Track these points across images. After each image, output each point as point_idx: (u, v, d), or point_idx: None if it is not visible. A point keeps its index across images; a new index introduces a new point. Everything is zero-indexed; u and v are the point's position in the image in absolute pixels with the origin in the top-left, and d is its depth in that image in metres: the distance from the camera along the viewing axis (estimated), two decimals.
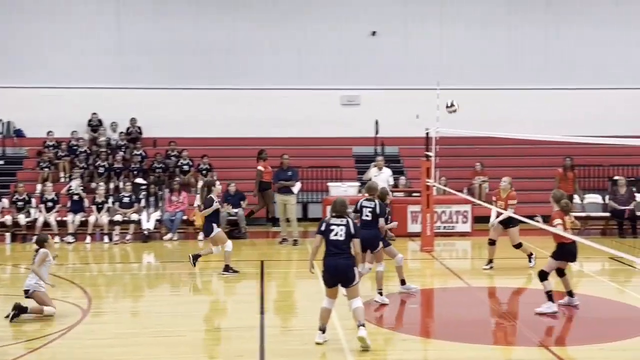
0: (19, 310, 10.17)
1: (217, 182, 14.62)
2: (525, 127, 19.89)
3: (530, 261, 13.93)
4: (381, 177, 17.60)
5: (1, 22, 22.40)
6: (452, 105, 15.08)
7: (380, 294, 11.20)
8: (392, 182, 17.76)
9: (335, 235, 8.92)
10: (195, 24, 22.88)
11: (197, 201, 18.50)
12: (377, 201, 11.11)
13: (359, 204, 11.21)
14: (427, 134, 16.44)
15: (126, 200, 18.35)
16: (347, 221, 9.02)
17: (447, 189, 17.78)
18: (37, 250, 10.75)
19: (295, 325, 10.36)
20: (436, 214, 17.41)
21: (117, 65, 22.71)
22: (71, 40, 22.61)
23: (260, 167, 18.39)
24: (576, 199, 18.68)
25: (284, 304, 11.90)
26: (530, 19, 23.39)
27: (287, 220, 17.40)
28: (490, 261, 13.95)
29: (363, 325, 8.82)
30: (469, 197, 17.62)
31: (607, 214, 18.83)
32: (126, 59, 22.72)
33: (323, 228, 9.07)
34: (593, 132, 19.72)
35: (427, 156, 16.20)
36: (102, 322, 10.44)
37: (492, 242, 13.96)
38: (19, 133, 22.61)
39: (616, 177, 19.56)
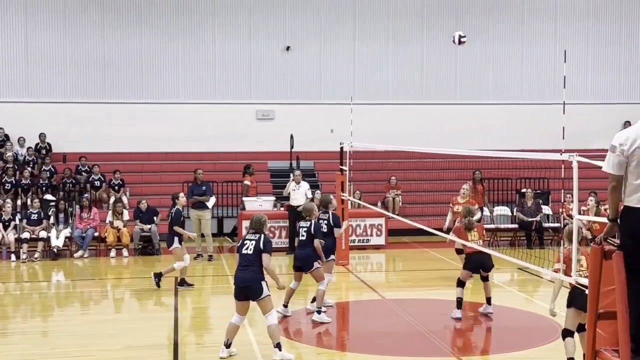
0: None
1: (181, 194, 14.25)
2: (436, 141, 20.31)
3: None
4: (300, 190, 17.70)
5: None
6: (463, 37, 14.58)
7: (285, 306, 11.26)
8: (310, 195, 17.86)
9: (246, 249, 9.01)
10: (105, 37, 22.46)
11: (109, 217, 18.17)
12: (313, 221, 11.13)
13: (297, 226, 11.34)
14: (342, 148, 16.61)
15: (34, 217, 17.80)
16: (259, 237, 9.06)
17: (361, 202, 17.99)
18: None
19: (209, 341, 10.24)
20: (351, 227, 17.57)
21: (25, 79, 22.08)
22: None
23: (247, 182, 18.34)
24: (485, 211, 19.17)
25: (199, 320, 11.76)
26: (440, 35, 23.95)
27: (202, 235, 17.25)
28: None
29: (279, 345, 8.85)
30: (383, 211, 17.88)
31: (516, 226, 19.39)
32: (34, 72, 22.12)
33: (239, 244, 9.19)
34: (502, 147, 20.42)
35: (342, 170, 16.36)
36: (9, 342, 10.09)
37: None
38: None
39: (523, 190, 20.19)
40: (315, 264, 11.07)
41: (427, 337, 10.40)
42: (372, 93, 23.13)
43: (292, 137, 22.38)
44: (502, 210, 20.36)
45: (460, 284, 11.18)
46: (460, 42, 14.22)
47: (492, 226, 18.99)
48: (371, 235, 18.74)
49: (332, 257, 11.69)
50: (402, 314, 11.73)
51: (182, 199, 14.20)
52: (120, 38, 22.55)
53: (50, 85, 22.12)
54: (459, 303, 11.09)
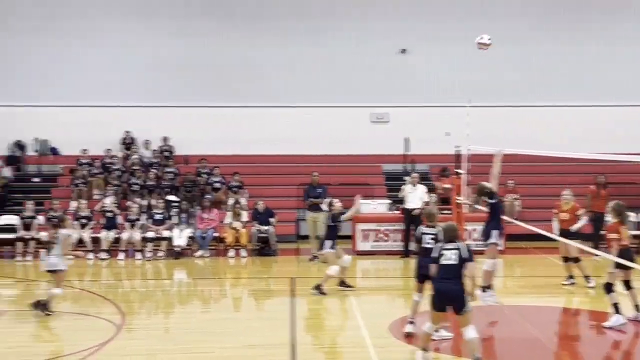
0: (41, 306, 11.37)
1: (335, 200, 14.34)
2: (557, 144, 19.75)
3: (588, 281, 13.73)
4: (416, 193, 17.58)
5: (37, 44, 22.80)
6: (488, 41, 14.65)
7: None
8: (426, 198, 17.73)
9: (448, 260, 8.67)
10: (226, 42, 23.11)
11: (229, 218, 18.69)
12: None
13: (419, 232, 10.64)
14: (458, 151, 16.41)
15: (158, 217, 18.54)
16: (459, 246, 8.75)
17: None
18: (56, 230, 11.90)
19: (326, 342, 10.37)
20: (467, 232, 17.33)
21: (150, 84, 23.02)
22: (107, 59, 22.98)
23: (446, 185, 18.50)
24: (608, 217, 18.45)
25: (315, 321, 11.92)
26: (560, 34, 23.28)
27: (317, 237, 17.44)
28: (571, 276, 13.87)
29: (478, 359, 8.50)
30: (503, 216, 17.48)
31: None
32: (159, 77, 23.03)
33: (436, 254, 8.82)
34: (628, 150, 19.62)
35: (458, 173, 16.17)
36: (134, 337, 10.54)
37: (566, 259, 13.89)
38: (54, 151, 23.01)
39: None
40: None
41: (546, 345, 10.14)
42: (489, 95, 22.69)
43: (406, 139, 22.30)
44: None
45: (612, 287, 10.74)
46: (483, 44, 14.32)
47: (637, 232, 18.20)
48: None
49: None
50: (520, 320, 11.48)
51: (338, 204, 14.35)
52: (240, 43, 23.14)
53: (174, 90, 22.98)
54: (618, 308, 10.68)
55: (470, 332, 8.50)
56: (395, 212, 18.99)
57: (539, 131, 22.04)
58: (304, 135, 22.69)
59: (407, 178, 18.67)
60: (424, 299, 10.10)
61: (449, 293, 8.55)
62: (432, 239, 10.18)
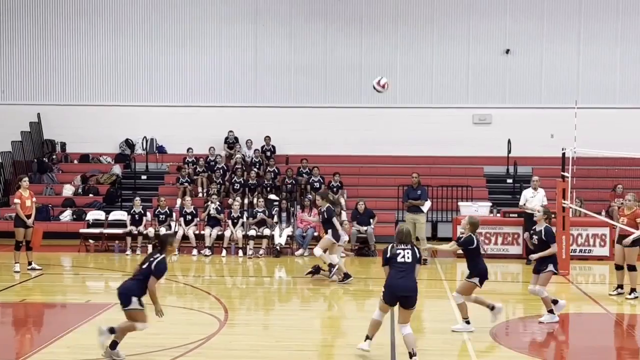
0: None
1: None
2: None
3: (630, 293, 13.17)
4: (537, 197, 17.03)
5: (146, 47, 23.67)
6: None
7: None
8: (545, 202, 17.23)
9: (402, 257, 9.31)
10: (327, 46, 23.35)
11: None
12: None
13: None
14: (564, 154, 15.99)
15: (260, 215, 18.87)
16: (412, 247, 9.42)
17: (583, 210, 17.20)
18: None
19: (423, 345, 10.31)
20: (572, 237, 16.86)
21: (253, 85, 23.51)
22: (212, 61, 23.62)
23: None
24: None
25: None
26: None
27: (417, 239, 17.35)
28: (620, 287, 13.36)
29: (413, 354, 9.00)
30: (608, 220, 16.97)
31: None
32: (262, 79, 23.49)
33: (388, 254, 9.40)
34: None
35: (563, 177, 15.76)
36: (236, 333, 10.78)
37: (618, 267, 13.39)
38: (160, 149, 23.79)
39: None
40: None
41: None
42: (596, 96, 22.08)
43: (509, 141, 21.91)
44: None
45: None
46: (381, 87, 13.79)
47: None
48: (594, 245, 17.87)
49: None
50: (628, 329, 11.10)
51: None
52: (342, 46, 23.34)
53: (276, 91, 23.39)
54: None
55: (407, 329, 9.14)
56: (497, 215, 18.69)
57: None
58: (406, 136, 22.63)
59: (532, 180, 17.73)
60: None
61: (404, 289, 9.14)
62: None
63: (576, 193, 17.49)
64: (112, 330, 9.01)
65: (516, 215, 17.76)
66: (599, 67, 22.63)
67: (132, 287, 9.04)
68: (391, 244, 9.45)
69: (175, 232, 18.03)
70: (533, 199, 16.59)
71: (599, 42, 22.61)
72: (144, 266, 9.07)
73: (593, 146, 16.96)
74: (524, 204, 17.03)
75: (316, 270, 14.96)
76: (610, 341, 10.58)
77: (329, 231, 14.68)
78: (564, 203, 15.49)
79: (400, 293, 9.18)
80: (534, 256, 11.44)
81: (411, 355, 8.99)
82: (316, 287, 14.49)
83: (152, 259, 9.07)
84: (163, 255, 9.12)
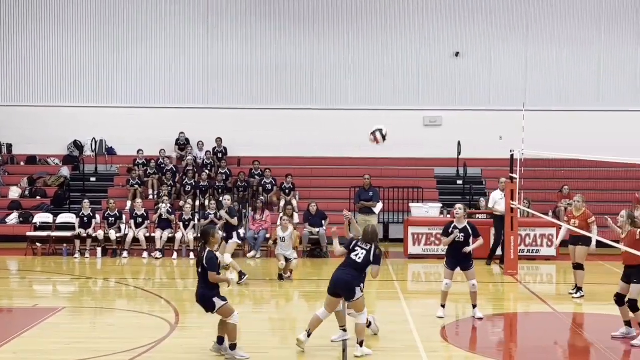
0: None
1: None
2: (613, 149, 19.39)
3: (577, 292, 13.49)
4: (505, 199, 17.12)
5: (95, 48, 23.35)
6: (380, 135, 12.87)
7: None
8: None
9: (356, 256, 9.73)
10: (279, 47, 23.32)
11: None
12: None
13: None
14: (512, 155, 16.25)
15: (211, 217, 18.74)
16: (370, 247, 9.74)
17: (531, 211, 17.51)
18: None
19: (377, 345, 10.38)
20: (520, 237, 17.13)
21: (205, 86, 23.37)
22: (162, 62, 23.40)
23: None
24: None
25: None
26: (617, 38, 22.89)
27: None
28: (579, 288, 13.64)
29: (362, 343, 9.46)
30: (555, 220, 17.29)
31: None
32: (213, 80, 23.36)
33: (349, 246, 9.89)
34: None
35: (512, 178, 16.01)
36: (188, 336, 10.69)
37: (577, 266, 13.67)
38: (110, 151, 23.48)
39: None
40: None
41: (603, 353, 9.99)
42: (543, 99, 22.47)
43: (459, 143, 22.17)
44: None
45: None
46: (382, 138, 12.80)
47: None
48: (541, 245, 18.19)
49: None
50: (574, 327, 11.33)
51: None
52: (294, 48, 23.32)
53: (228, 92, 23.28)
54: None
55: (360, 319, 9.48)
56: (447, 216, 18.89)
57: (594, 136, 21.67)
58: (357, 138, 22.62)
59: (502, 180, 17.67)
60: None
61: (342, 282, 9.58)
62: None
63: (524, 194, 17.80)
64: (221, 341, 9.46)
65: (485, 216, 17.95)
66: (546, 70, 23.04)
67: (206, 291, 9.34)
68: (357, 240, 9.84)
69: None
70: (502, 201, 16.75)
71: (546, 45, 23.02)
72: (199, 269, 9.34)
73: (541, 148, 17.29)
74: (493, 206, 17.24)
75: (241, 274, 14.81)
76: (558, 339, 10.77)
77: (234, 234, 14.91)
78: (513, 204, 15.74)
79: (336, 286, 9.68)
80: (468, 249, 11.64)
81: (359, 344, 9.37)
82: (268, 289, 14.46)
83: (201, 257, 9.32)
84: (208, 249, 9.38)
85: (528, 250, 18.05)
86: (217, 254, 13.87)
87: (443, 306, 11.70)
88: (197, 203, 20.40)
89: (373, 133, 12.85)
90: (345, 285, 9.59)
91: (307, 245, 18.50)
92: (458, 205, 12.09)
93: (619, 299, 10.35)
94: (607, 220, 11.86)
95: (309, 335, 9.72)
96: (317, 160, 22.84)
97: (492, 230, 17.32)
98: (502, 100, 22.32)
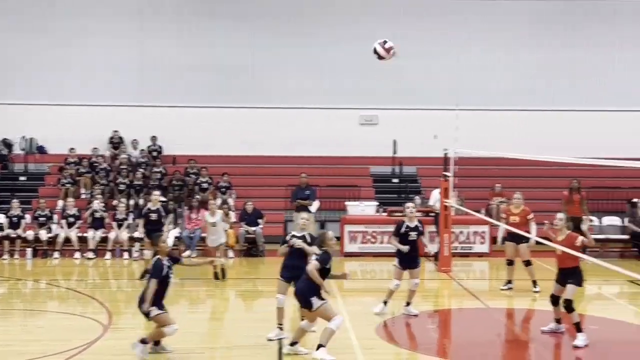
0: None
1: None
2: (544, 149, 19.89)
3: (535, 286, 13.80)
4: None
5: (25, 43, 22.75)
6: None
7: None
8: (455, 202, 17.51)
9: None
10: (216, 44, 23.13)
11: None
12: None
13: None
14: (446, 154, 16.49)
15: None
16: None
17: (464, 209, 17.80)
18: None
19: (310, 343, 10.39)
20: (454, 235, 17.41)
21: (139, 84, 23.02)
22: (95, 58, 22.94)
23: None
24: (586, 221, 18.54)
25: (294, 324, 11.91)
26: (550, 41, 23.44)
27: None
28: (509, 282, 13.95)
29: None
30: (487, 218, 17.62)
31: (626, 237, 18.75)
32: (148, 77, 23.03)
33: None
34: (614, 155, 19.77)
35: (445, 176, 16.25)
36: (121, 337, 10.52)
37: (510, 263, 13.96)
38: (41, 149, 22.93)
39: (635, 200, 19.49)
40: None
41: (531, 347, 10.23)
42: (477, 99, 22.83)
43: (395, 142, 22.38)
44: (612, 220, 19.72)
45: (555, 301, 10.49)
46: (386, 51, 12.18)
47: (602, 236, 18.43)
48: (474, 242, 18.52)
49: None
50: (506, 323, 11.56)
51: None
52: (230, 44, 23.17)
53: (163, 90, 22.96)
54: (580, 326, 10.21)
55: (331, 323, 9.12)
56: (383, 214, 19.07)
57: (526, 135, 22.17)
58: (293, 137, 22.71)
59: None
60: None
61: (298, 292, 9.40)
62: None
63: (457, 192, 18.08)
64: (144, 341, 9.24)
65: (421, 214, 18.12)
66: (478, 70, 23.43)
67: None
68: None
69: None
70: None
71: (477, 45, 23.40)
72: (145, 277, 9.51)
73: (474, 147, 17.58)
74: (434, 204, 17.46)
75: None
76: (490, 335, 10.97)
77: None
78: (446, 202, 15.97)
79: (295, 296, 9.51)
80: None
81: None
82: (205, 289, 14.35)
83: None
84: (157, 257, 9.46)
85: (461, 248, 18.34)
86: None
87: (385, 303, 11.73)
88: (132, 202, 20.09)
89: (377, 52, 12.44)
90: (301, 296, 9.32)
91: (244, 245, 18.42)
92: (410, 204, 12.07)
93: (554, 300, 10.46)
94: (546, 226, 12.10)
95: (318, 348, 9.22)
96: (253, 158, 22.74)
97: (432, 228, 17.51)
98: (437, 99, 22.57)
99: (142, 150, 22.44)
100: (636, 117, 22.86)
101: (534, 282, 13.77)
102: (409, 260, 11.66)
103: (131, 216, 18.76)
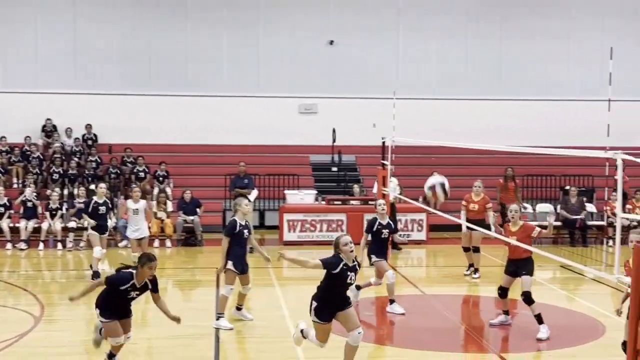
0: None
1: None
2: (480, 137, 20.18)
3: (475, 273, 14.04)
4: (391, 186, 17.37)
5: None
6: None
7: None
8: (399, 190, 17.61)
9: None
10: (151, 31, 22.76)
11: (153, 208, 18.44)
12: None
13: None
14: (384, 142, 16.59)
15: (80, 206, 18.12)
16: None
17: (402, 197, 17.96)
18: None
19: (248, 332, 10.36)
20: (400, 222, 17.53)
21: (73, 71, 22.49)
22: (26, 45, 22.33)
23: None
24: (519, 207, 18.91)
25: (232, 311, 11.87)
26: (485, 30, 23.79)
27: None
28: (471, 265, 14.10)
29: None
30: (424, 206, 17.80)
31: (559, 223, 19.18)
32: (81, 64, 22.53)
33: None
34: (547, 143, 20.21)
35: (383, 165, 16.35)
36: (54, 329, 10.32)
37: (466, 249, 14.11)
38: None
39: (567, 187, 19.96)
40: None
41: (468, 333, 10.39)
42: (415, 88, 23.02)
43: (334, 131, 22.42)
44: (545, 207, 20.16)
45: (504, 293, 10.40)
46: (444, 193, 12.09)
47: (536, 223, 18.79)
48: (412, 230, 18.71)
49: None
50: (442, 309, 11.71)
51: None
52: (167, 31, 22.82)
53: (98, 77, 22.49)
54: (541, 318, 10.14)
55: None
56: (322, 202, 19.10)
57: (462, 123, 22.46)
58: (232, 125, 22.55)
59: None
60: None
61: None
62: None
63: (396, 180, 18.22)
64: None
65: (359, 202, 18.20)
66: (414, 60, 23.62)
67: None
68: None
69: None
70: (390, 185, 17.01)
71: (416, 35, 23.58)
72: None
73: (412, 135, 17.74)
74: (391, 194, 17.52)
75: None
76: (427, 322, 11.09)
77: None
78: (384, 190, 16.07)
79: None
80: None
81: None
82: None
83: None
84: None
85: (400, 235, 18.44)
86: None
87: (358, 288, 11.48)
88: (66, 192, 19.67)
89: (432, 188, 11.97)
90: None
91: (182, 234, 18.23)
92: (380, 201, 11.90)
93: (503, 292, 10.38)
94: (493, 216, 12.29)
95: None
96: (191, 147, 22.48)
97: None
98: (376, 88, 22.68)
99: (77, 139, 21.96)
100: (568, 106, 23.36)
101: (476, 270, 13.98)
102: (385, 254, 11.56)
103: (65, 206, 18.36)
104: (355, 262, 8.09)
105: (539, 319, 9.93)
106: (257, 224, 19.47)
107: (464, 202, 14.20)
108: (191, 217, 18.17)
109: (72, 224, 17.74)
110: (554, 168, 21.80)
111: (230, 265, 10.27)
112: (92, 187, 19.48)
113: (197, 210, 18.36)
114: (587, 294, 13.02)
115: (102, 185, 14.65)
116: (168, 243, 17.93)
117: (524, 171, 21.07)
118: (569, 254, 15.40)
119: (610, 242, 17.80)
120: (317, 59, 23.37)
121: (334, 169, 22.52)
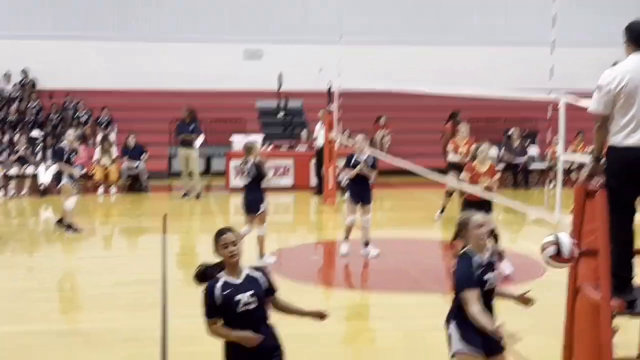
0: None
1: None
2: (425, 82, 20.20)
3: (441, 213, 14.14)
4: (322, 132, 17.26)
5: None
6: None
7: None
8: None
9: None
10: None
11: (97, 154, 18.16)
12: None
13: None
14: (329, 88, 16.52)
15: (21, 153, 17.73)
16: None
17: (349, 142, 17.96)
18: None
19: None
20: (338, 167, 17.57)
21: (7, 12, 21.70)
22: None
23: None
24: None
25: (187, 257, 11.85)
26: None
27: (190, 174, 17.28)
28: (443, 210, 14.10)
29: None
30: (372, 149, 17.86)
31: (502, 166, 19.49)
32: (17, 5, 21.74)
33: None
34: (490, 87, 20.36)
35: (329, 110, 16.31)
36: None
37: (450, 194, 13.98)
38: None
39: (510, 131, 20.24)
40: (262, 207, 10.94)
41: (411, 274, 10.57)
42: (361, 32, 22.86)
43: (280, 75, 22.22)
44: (490, 151, 20.38)
45: None
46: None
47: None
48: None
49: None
50: (387, 252, 11.88)
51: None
52: None
53: (35, 20, 21.75)
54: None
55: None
56: (268, 148, 19.04)
57: (408, 69, 22.42)
58: (177, 71, 22.14)
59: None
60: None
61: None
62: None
63: (343, 125, 18.22)
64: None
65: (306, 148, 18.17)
66: (361, 5, 23.42)
67: None
68: None
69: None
70: (321, 132, 16.99)
71: None
72: None
73: (359, 80, 17.68)
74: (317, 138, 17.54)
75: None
76: (373, 265, 11.24)
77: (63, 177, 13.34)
78: (330, 135, 16.08)
79: None
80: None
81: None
82: (86, 227, 13.96)
83: None
84: None
85: (347, 180, 18.54)
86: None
87: (347, 238, 11.26)
88: (6, 138, 19.18)
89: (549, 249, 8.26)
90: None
91: (127, 180, 18.01)
92: (360, 136, 11.57)
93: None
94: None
95: None
96: (135, 93, 22.04)
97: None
98: (321, 32, 22.45)
99: (15, 84, 21.32)
100: (513, 51, 23.53)
101: (443, 209, 14.05)
102: (359, 193, 11.17)
103: (5, 153, 17.92)
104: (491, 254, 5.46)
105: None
106: (202, 169, 19.32)
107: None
108: (136, 163, 17.93)
109: (13, 171, 17.34)
110: (497, 111, 22.02)
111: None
112: (33, 133, 19.09)
113: (142, 156, 18.11)
114: (528, 235, 13.33)
115: (70, 131, 14.01)
116: (112, 190, 17.70)
117: (469, 115, 21.22)
118: (511, 196, 15.70)
119: (552, 185, 18.19)
120: (262, 3, 22.99)
121: (281, 114, 22.39)
